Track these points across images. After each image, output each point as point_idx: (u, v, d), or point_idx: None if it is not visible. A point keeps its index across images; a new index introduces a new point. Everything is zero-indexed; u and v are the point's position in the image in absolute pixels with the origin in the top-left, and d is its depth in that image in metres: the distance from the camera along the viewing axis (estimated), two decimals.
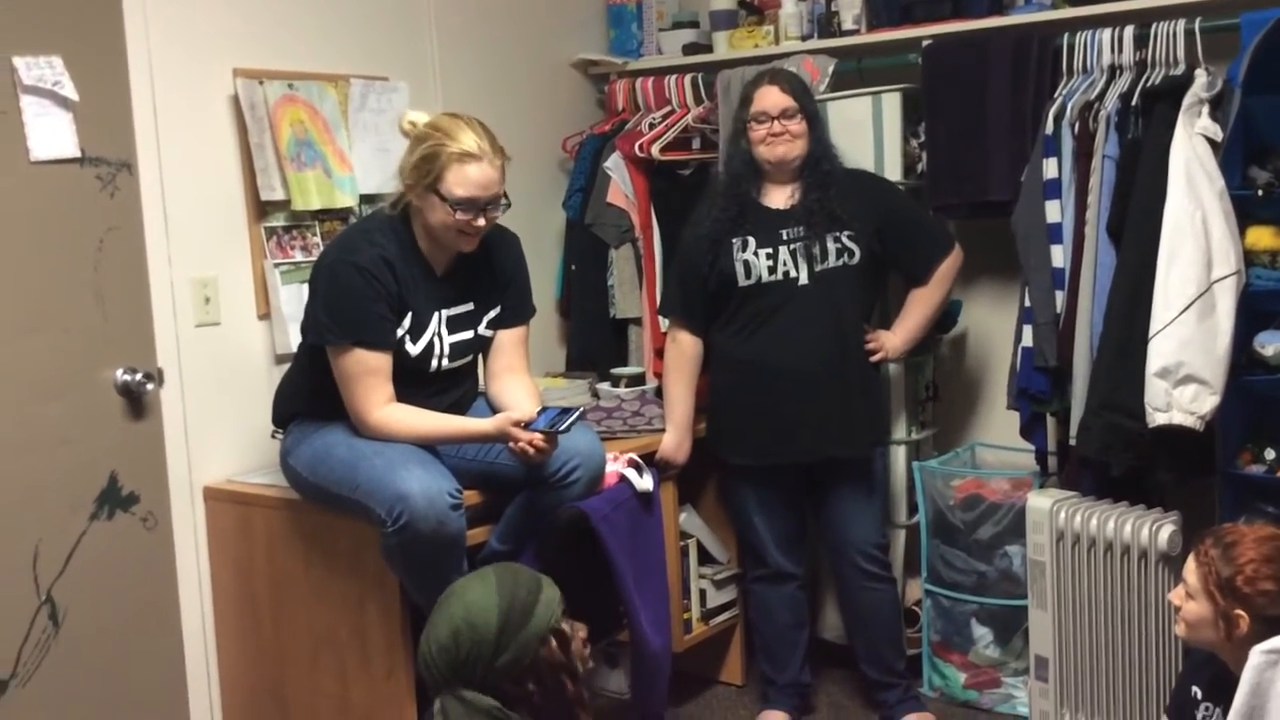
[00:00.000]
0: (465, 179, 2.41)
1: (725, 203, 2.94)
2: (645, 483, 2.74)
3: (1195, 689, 2.15)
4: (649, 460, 2.94)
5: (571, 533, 2.59)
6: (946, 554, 3.17)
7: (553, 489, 2.55)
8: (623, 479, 2.71)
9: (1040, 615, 2.84)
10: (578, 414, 2.48)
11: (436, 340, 2.55)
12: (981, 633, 3.15)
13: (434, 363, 2.55)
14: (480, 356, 2.71)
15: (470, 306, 2.62)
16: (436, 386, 2.59)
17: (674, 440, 3.06)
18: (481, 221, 2.46)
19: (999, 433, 3.41)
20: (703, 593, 3.24)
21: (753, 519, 3.07)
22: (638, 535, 2.70)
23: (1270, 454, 2.76)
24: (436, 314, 2.54)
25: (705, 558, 3.29)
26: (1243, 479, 2.75)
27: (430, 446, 2.49)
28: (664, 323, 3.27)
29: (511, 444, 2.45)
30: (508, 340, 2.70)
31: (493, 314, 2.66)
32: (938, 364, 3.51)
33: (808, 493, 3.06)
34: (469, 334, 2.61)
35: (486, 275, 2.64)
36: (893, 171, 3.23)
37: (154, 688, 2.70)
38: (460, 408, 2.64)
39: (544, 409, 2.53)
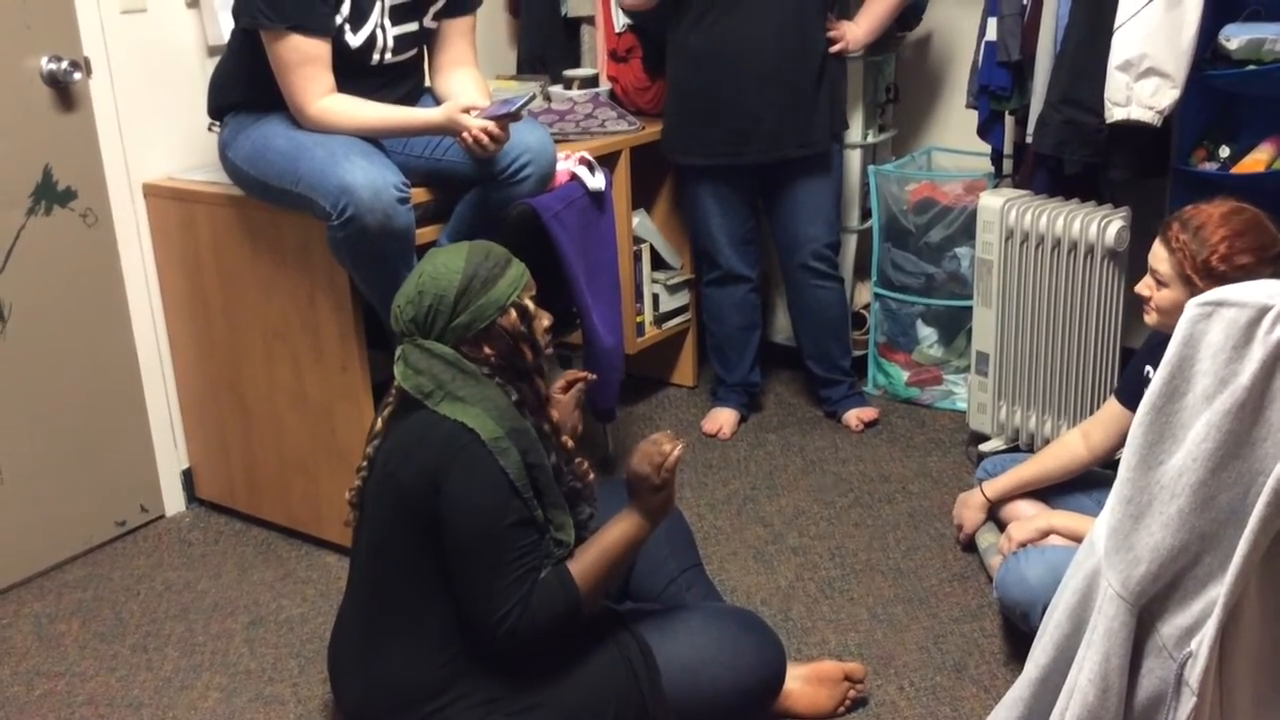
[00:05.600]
0: None
1: None
2: (597, 181, 2.69)
3: (1149, 369, 2.21)
4: (604, 161, 2.88)
5: (522, 230, 2.57)
6: (897, 257, 3.20)
7: (503, 185, 2.50)
8: (574, 177, 2.66)
9: (984, 312, 2.89)
10: (529, 98, 2.41)
11: (379, 31, 2.43)
12: (926, 333, 3.22)
13: (376, 56, 2.44)
14: (426, 51, 2.59)
15: None
16: (379, 81, 2.48)
17: None
18: None
19: (956, 136, 3.37)
20: (655, 297, 3.26)
21: (708, 220, 3.05)
22: (589, 234, 2.68)
23: (1224, 151, 2.75)
24: (379, 2, 2.41)
25: (658, 263, 3.30)
26: (1195, 176, 2.75)
27: (375, 140, 2.42)
28: (618, 19, 3.14)
29: (462, 134, 2.39)
30: (454, 31, 2.57)
31: (439, 4, 2.53)
32: (899, 64, 3.42)
33: (762, 192, 3.04)
34: (414, 25, 2.49)
35: None
36: None
37: (108, 384, 2.73)
38: (407, 104, 2.55)
39: (495, 102, 2.45)
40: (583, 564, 1.84)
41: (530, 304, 1.94)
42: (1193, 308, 1.31)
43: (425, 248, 2.51)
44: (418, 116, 2.44)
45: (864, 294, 3.37)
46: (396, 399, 1.91)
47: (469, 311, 1.86)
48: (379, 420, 1.94)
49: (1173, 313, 2.10)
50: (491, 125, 2.36)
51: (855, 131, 3.26)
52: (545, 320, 1.97)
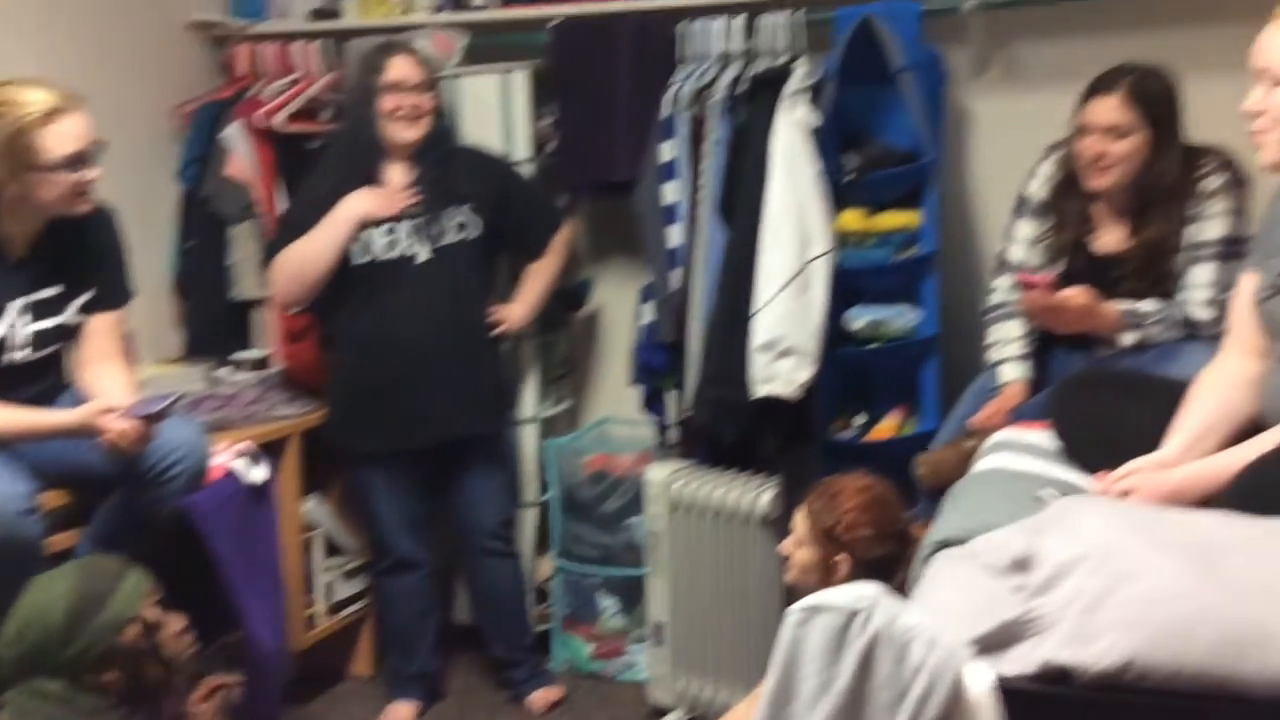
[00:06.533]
0: (63, 136, 2.23)
1: (341, 178, 2.84)
2: (257, 474, 2.61)
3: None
4: (270, 449, 2.81)
5: (175, 530, 2.44)
6: (576, 529, 3.24)
7: (151, 485, 2.38)
8: (231, 472, 2.57)
9: (657, 582, 2.95)
10: (175, 398, 2.34)
11: (11, 330, 2.32)
12: (608, 603, 3.24)
13: (9, 355, 2.32)
14: (70, 346, 2.49)
15: (59, 289, 2.40)
16: (13, 380, 2.35)
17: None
18: (94, 173, 2.30)
19: (629, 407, 3.51)
20: (329, 585, 3.14)
21: (379, 507, 2.99)
22: (248, 531, 2.57)
23: (860, 419, 2.99)
24: (10, 304, 2.31)
25: (334, 548, 3.19)
26: (835, 444, 2.96)
27: (5, 444, 2.26)
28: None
29: (102, 436, 2.27)
30: (100, 326, 2.49)
31: (85, 297, 2.45)
32: (571, 341, 3.56)
33: (435, 474, 3.02)
34: (54, 321, 2.40)
35: (78, 254, 2.43)
36: (522, 149, 3.24)
37: None
38: (43, 403, 2.41)
39: (140, 400, 2.36)
40: None
41: (153, 614, 1.81)
42: (792, 614, 1.37)
43: (65, 555, 2.33)
44: (51, 419, 2.31)
45: (546, 567, 3.37)
46: None
47: (82, 639, 1.73)
48: None
49: (806, 572, 2.23)
50: (135, 426, 2.26)
51: (530, 406, 3.34)
52: (175, 625, 1.85)
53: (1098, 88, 2.45)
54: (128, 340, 2.65)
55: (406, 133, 2.84)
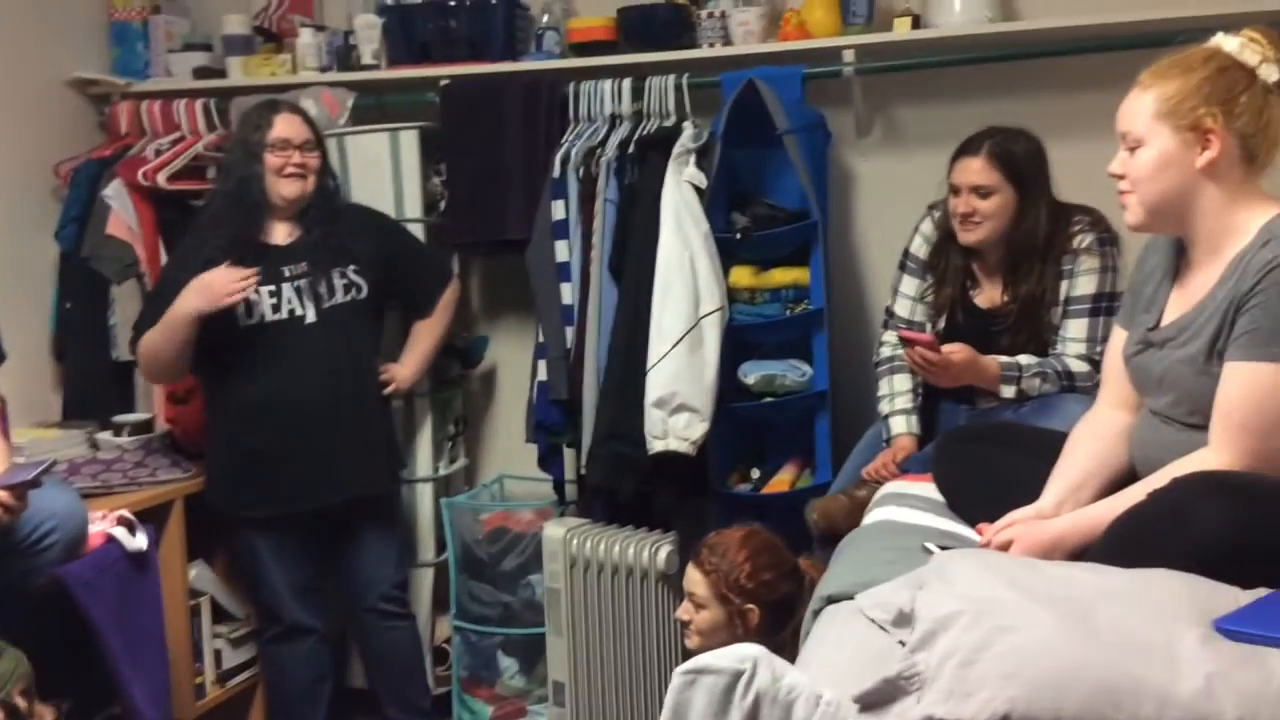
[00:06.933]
0: None
1: (225, 238, 2.79)
2: (137, 542, 2.53)
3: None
4: (152, 514, 2.72)
5: (50, 603, 2.35)
6: (474, 588, 3.20)
7: (24, 556, 2.28)
8: (110, 539, 2.49)
9: (556, 641, 2.93)
10: (47, 464, 2.27)
11: None
12: (508, 663, 3.20)
13: None
14: None
15: None
16: None
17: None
18: None
19: (526, 464, 3.49)
20: (218, 653, 3.05)
21: (267, 573, 2.91)
22: (129, 600, 2.49)
23: (755, 473, 3.02)
24: None
25: (221, 615, 3.10)
26: (732, 497, 2.98)
27: None
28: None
29: None
30: None
31: None
32: (467, 399, 3.54)
33: (323, 538, 2.96)
34: None
35: None
36: (413, 208, 3.24)
37: None
38: None
39: (9, 469, 2.27)
40: None
41: (23, 702, 1.74)
42: (677, 676, 1.37)
43: None
44: None
45: (444, 628, 3.32)
46: None
47: None
48: None
49: (713, 633, 2.25)
50: (4, 496, 2.18)
51: (425, 465, 3.30)
52: (48, 715, 1.78)
53: (963, 150, 2.56)
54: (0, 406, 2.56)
55: (291, 191, 2.81)
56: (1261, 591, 1.49)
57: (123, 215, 3.25)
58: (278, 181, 2.80)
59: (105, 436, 3.03)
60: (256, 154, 2.80)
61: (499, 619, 3.17)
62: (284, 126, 2.81)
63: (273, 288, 2.79)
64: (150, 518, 2.72)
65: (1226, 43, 1.81)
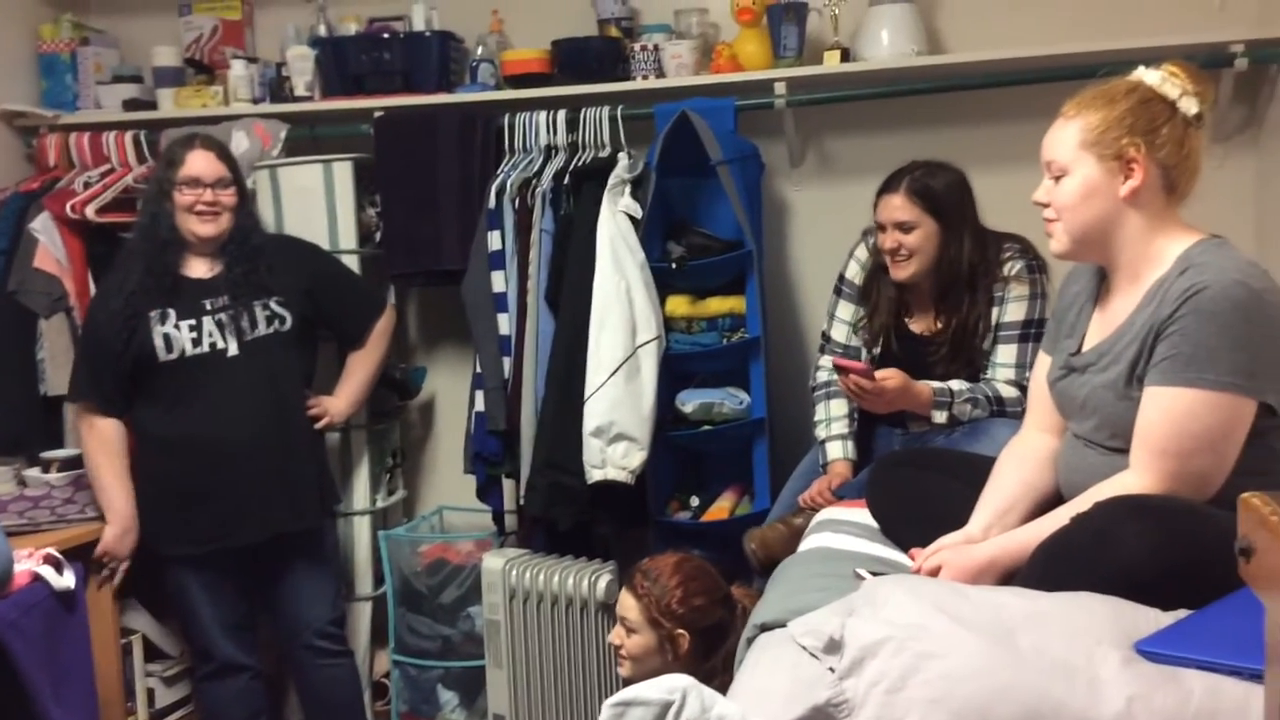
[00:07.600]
0: None
1: (141, 274, 2.75)
2: (65, 580, 2.48)
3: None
4: (81, 552, 2.67)
5: None
6: (413, 621, 3.17)
7: None
8: (37, 577, 2.44)
9: (496, 673, 2.91)
10: None
11: None
12: (448, 697, 3.17)
13: None
14: None
15: None
16: None
17: (116, 533, 2.79)
18: None
19: (464, 495, 3.47)
20: (151, 692, 2.99)
21: (198, 611, 2.86)
22: (57, 640, 2.44)
23: (695, 501, 3.03)
24: None
25: (154, 653, 3.04)
26: (671, 525, 2.99)
27: None
28: (71, 409, 3.01)
29: None
30: None
31: None
32: (405, 430, 3.52)
33: (255, 575, 2.92)
34: None
35: None
36: (348, 239, 3.22)
37: None
38: None
39: None
40: None
41: None
42: (607, 709, 1.37)
43: None
44: None
45: (383, 662, 3.29)
46: None
47: None
48: None
49: (644, 658, 2.26)
50: None
51: (363, 498, 3.27)
52: None
53: (885, 187, 2.61)
54: None
55: (202, 229, 2.78)
56: (1181, 613, 1.52)
57: (51, 248, 3.19)
58: (188, 219, 2.77)
59: (33, 473, 2.96)
60: (167, 191, 2.78)
61: (439, 652, 3.15)
62: (195, 164, 2.78)
63: (193, 321, 2.76)
64: (79, 555, 2.67)
65: (1148, 76, 1.86)
